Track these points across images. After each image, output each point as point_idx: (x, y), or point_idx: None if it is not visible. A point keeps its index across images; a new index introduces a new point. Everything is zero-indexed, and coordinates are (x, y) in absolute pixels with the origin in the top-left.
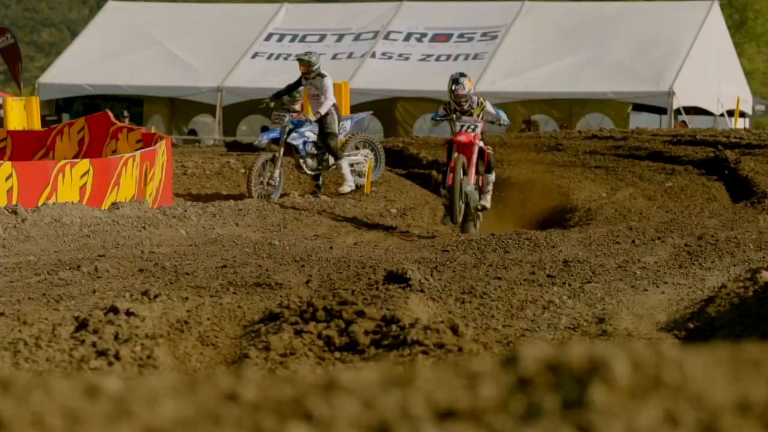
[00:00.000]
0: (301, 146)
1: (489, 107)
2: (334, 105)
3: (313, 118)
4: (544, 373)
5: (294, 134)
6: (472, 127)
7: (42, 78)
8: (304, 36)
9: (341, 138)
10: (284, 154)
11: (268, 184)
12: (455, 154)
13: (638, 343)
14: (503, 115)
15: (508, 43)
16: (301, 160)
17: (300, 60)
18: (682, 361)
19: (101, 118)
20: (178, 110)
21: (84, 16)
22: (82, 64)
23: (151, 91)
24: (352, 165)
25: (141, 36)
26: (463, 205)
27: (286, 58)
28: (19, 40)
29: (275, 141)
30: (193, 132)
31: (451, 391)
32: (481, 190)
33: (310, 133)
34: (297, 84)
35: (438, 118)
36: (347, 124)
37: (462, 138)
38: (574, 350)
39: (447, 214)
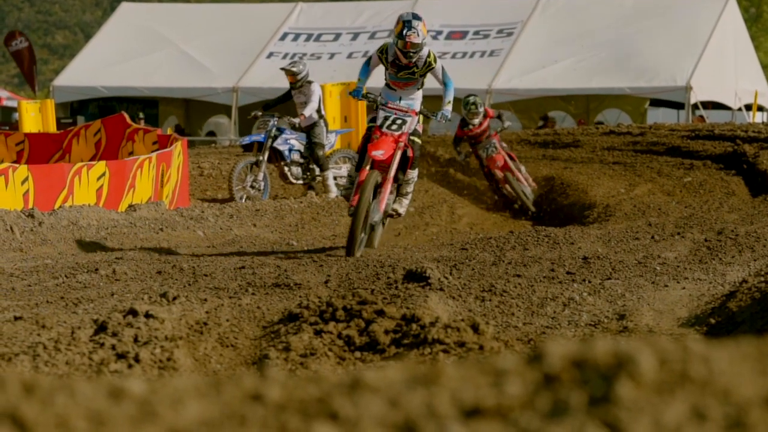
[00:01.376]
0: (286, 153)
1: (439, 71)
2: (323, 118)
3: (297, 120)
4: (570, 369)
5: (279, 140)
6: (399, 122)
7: (56, 81)
8: (319, 35)
9: (327, 150)
10: (268, 161)
11: (252, 186)
12: (367, 166)
13: (664, 339)
14: (449, 95)
15: (524, 40)
16: (286, 168)
17: (286, 71)
18: (709, 356)
19: (117, 120)
20: (193, 111)
21: (97, 17)
22: (97, 67)
23: (166, 93)
24: (336, 178)
25: (155, 37)
26: (365, 238)
27: (301, 57)
28: (32, 43)
29: (259, 145)
30: (211, 134)
31: (477, 389)
32: (398, 192)
33: (296, 141)
34: (287, 95)
35: (360, 97)
36: (332, 138)
37: (378, 153)
38: (599, 346)
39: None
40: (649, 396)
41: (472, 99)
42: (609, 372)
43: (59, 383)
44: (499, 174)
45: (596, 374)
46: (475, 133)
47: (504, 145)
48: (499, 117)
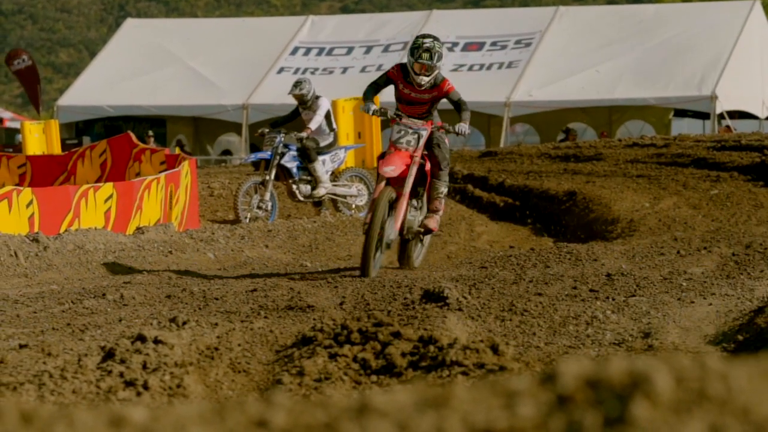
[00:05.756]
0: (294, 170)
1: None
2: (334, 131)
3: (304, 134)
4: (584, 389)
5: (287, 157)
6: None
7: (61, 100)
8: (331, 49)
9: (336, 166)
10: (276, 179)
11: (259, 207)
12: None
13: (681, 356)
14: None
15: (543, 50)
16: (294, 186)
17: (293, 95)
18: (727, 374)
19: (123, 139)
20: (202, 129)
21: (103, 35)
22: (102, 85)
23: (174, 111)
24: (344, 197)
25: (162, 54)
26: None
27: (313, 72)
28: (36, 62)
29: (266, 162)
30: (227, 152)
31: (489, 411)
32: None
33: None
34: (295, 113)
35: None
36: (342, 154)
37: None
38: (614, 365)
39: None
40: (666, 416)
41: (428, 42)
42: (624, 391)
43: (59, 412)
44: (380, 183)
45: (611, 394)
46: (410, 96)
47: (446, 143)
48: (458, 107)
